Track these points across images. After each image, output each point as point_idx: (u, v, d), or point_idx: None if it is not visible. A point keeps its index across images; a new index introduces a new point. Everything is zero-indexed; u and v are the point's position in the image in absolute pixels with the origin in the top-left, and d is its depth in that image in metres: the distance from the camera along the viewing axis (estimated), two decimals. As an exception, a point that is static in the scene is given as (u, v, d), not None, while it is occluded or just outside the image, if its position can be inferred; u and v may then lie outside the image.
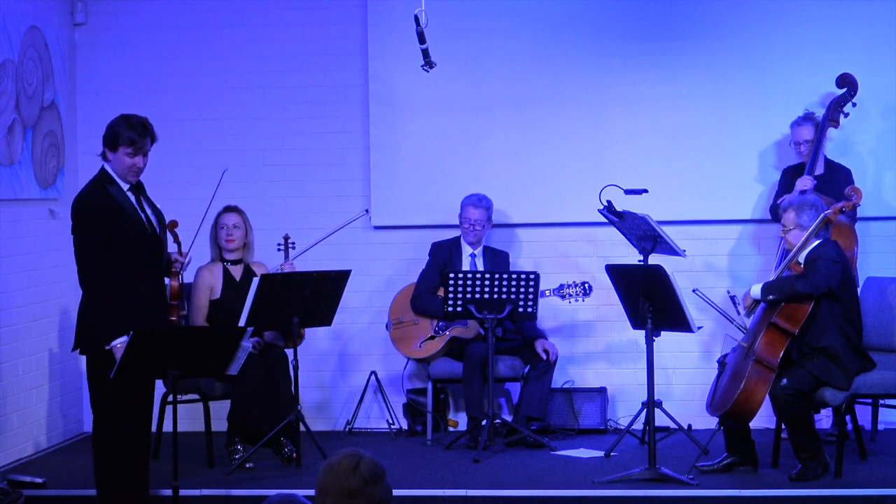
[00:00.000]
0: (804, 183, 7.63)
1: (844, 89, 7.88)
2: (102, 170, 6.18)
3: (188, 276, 7.79)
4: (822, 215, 6.98)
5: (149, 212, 6.22)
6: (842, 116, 7.87)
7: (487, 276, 7.65)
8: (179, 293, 6.45)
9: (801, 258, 6.95)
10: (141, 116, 6.22)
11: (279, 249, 7.81)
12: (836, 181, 7.65)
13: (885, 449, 7.57)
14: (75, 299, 6.28)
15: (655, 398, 7.13)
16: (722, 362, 7.10)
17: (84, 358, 6.28)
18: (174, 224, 6.55)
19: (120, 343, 5.97)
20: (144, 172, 6.21)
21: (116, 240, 6.05)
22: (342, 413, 8.55)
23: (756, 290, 6.94)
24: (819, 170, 7.79)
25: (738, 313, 7.13)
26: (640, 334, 7.38)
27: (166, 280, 6.39)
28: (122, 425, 6.16)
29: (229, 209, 7.74)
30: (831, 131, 7.90)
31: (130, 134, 6.11)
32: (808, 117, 7.88)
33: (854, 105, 7.88)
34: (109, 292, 6.05)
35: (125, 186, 6.16)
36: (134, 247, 6.11)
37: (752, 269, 8.20)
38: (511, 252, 8.33)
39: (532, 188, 8.43)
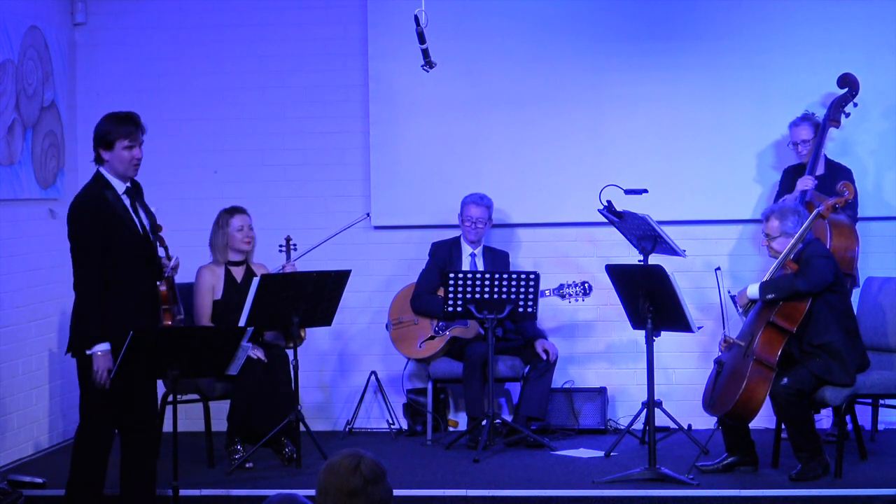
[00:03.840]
0: (805, 183, 7.62)
1: (846, 89, 7.88)
2: (98, 174, 6.13)
3: (184, 277, 7.80)
4: (815, 212, 6.97)
5: (142, 215, 6.20)
6: (843, 116, 7.87)
7: (487, 276, 7.65)
8: (168, 297, 6.42)
9: (792, 258, 6.95)
10: (124, 111, 6.19)
11: (280, 251, 7.80)
12: (837, 181, 7.63)
13: (885, 449, 7.57)
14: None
15: (655, 398, 7.13)
16: (719, 361, 7.09)
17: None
18: (159, 228, 6.37)
19: (101, 350, 5.96)
20: (143, 172, 6.19)
21: (111, 245, 6.03)
22: (342, 413, 8.54)
23: (753, 290, 6.94)
24: (820, 170, 7.78)
25: (738, 312, 7.13)
26: (640, 334, 7.38)
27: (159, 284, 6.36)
28: (104, 432, 6.15)
29: (239, 211, 7.66)
30: (832, 131, 7.90)
31: (126, 127, 6.08)
32: (805, 118, 7.87)
33: (855, 105, 7.87)
34: (99, 298, 6.02)
35: (121, 189, 6.13)
36: (128, 252, 6.09)
37: (752, 269, 8.19)
38: (511, 252, 8.33)
39: (532, 188, 8.43)
